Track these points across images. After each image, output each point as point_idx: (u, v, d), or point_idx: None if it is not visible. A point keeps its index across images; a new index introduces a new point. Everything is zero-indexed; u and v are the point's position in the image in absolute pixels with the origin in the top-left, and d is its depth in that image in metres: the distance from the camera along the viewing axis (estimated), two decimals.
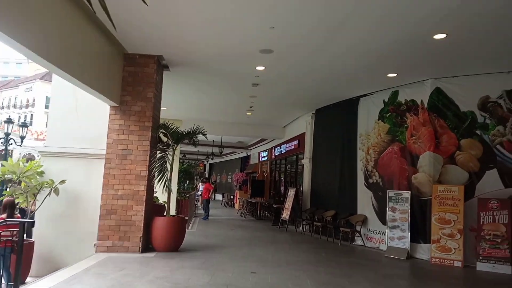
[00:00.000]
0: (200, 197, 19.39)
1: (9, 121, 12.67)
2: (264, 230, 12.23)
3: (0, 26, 3.76)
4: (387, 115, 9.25)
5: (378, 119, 9.50)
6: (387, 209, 8.59)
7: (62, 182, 7.70)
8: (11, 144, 12.89)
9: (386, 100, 9.32)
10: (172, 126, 7.91)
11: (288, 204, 12.56)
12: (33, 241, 7.60)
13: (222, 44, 6.81)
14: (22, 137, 13.53)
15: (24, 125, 14.19)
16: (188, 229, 11.21)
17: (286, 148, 16.17)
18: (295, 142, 14.72)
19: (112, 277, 5.36)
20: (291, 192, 12.70)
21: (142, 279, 5.30)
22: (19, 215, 7.13)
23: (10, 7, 3.89)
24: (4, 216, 5.98)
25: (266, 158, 20.69)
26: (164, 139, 7.89)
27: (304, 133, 13.28)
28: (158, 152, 7.50)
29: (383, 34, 6.14)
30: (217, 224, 13.48)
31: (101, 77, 6.54)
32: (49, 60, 4.77)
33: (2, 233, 4.90)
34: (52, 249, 8.01)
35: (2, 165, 7.78)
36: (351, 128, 10.39)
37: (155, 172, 7.22)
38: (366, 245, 9.25)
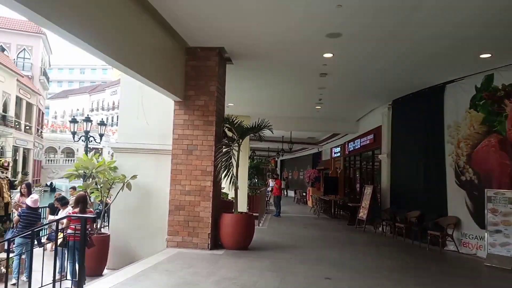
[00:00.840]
0: (270, 193, 19.24)
1: (87, 120, 13.78)
2: (339, 230, 11.68)
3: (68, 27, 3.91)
4: (481, 103, 8.13)
5: (470, 108, 8.40)
6: (485, 210, 7.49)
7: (134, 177, 7.86)
8: (91, 141, 13.95)
9: (479, 86, 8.19)
10: (237, 121, 7.72)
11: (365, 202, 11.92)
12: (109, 234, 7.88)
13: (285, 30, 6.35)
14: (101, 135, 14.64)
15: (102, 123, 15.29)
16: (259, 225, 11.02)
17: (360, 142, 15.38)
18: (371, 136, 13.91)
19: (180, 274, 5.30)
20: (368, 190, 12.04)
21: (209, 279, 5.14)
22: (91, 209, 7.37)
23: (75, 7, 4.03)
24: (77, 210, 6.18)
25: (339, 154, 19.97)
26: (229, 134, 7.73)
27: (380, 126, 12.47)
28: (223, 146, 7.32)
29: (473, 4, 5.15)
30: (289, 221, 13.16)
31: (165, 72, 6.55)
32: (111, 57, 4.83)
33: (71, 226, 4.98)
34: (127, 242, 8.23)
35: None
36: (436, 120, 9.36)
37: (220, 167, 7.05)
38: (460, 251, 8.21)
